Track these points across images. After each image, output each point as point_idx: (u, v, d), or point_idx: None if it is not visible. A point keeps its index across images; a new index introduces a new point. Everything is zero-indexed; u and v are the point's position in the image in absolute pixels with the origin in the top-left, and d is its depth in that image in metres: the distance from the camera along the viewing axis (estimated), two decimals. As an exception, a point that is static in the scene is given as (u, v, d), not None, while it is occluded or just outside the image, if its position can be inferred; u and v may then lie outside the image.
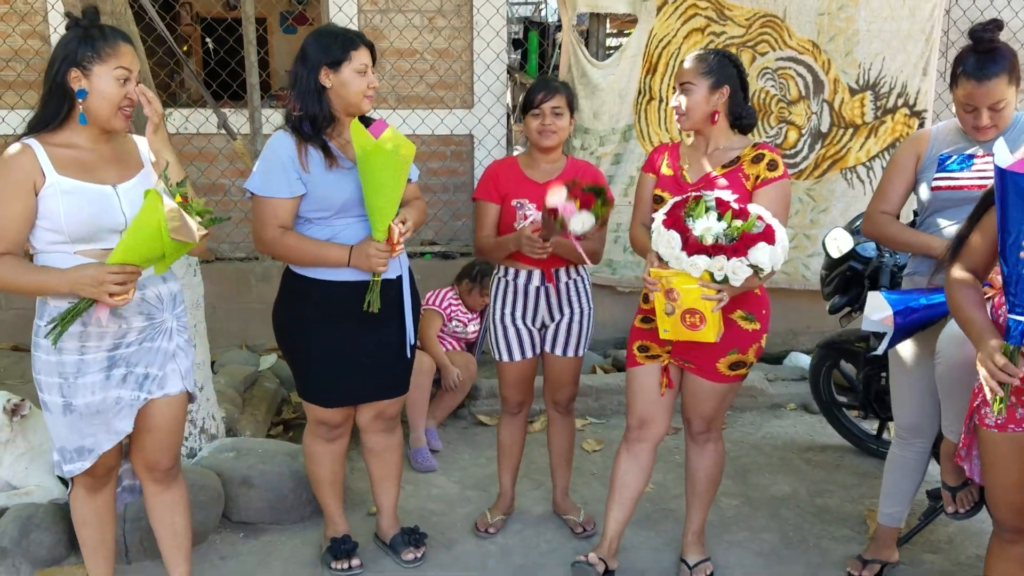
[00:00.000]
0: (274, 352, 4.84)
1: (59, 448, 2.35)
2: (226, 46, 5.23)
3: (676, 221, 2.32)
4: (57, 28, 4.83)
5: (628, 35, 5.13)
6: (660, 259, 2.38)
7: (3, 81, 4.93)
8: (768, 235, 2.29)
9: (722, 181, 2.56)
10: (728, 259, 2.25)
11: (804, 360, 4.90)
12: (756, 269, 2.29)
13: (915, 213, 2.81)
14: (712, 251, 2.26)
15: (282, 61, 8.47)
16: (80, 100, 2.19)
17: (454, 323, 4.17)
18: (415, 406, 3.83)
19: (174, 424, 2.47)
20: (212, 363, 4.51)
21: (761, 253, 2.27)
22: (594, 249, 2.95)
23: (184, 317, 2.48)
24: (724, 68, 2.60)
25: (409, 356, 2.80)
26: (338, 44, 2.52)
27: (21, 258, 2.19)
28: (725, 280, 2.29)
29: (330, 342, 2.68)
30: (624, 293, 5.03)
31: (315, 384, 2.75)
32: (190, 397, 2.49)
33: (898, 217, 2.75)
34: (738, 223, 2.29)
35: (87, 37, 2.19)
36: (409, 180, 2.64)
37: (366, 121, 2.64)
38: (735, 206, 2.34)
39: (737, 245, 2.26)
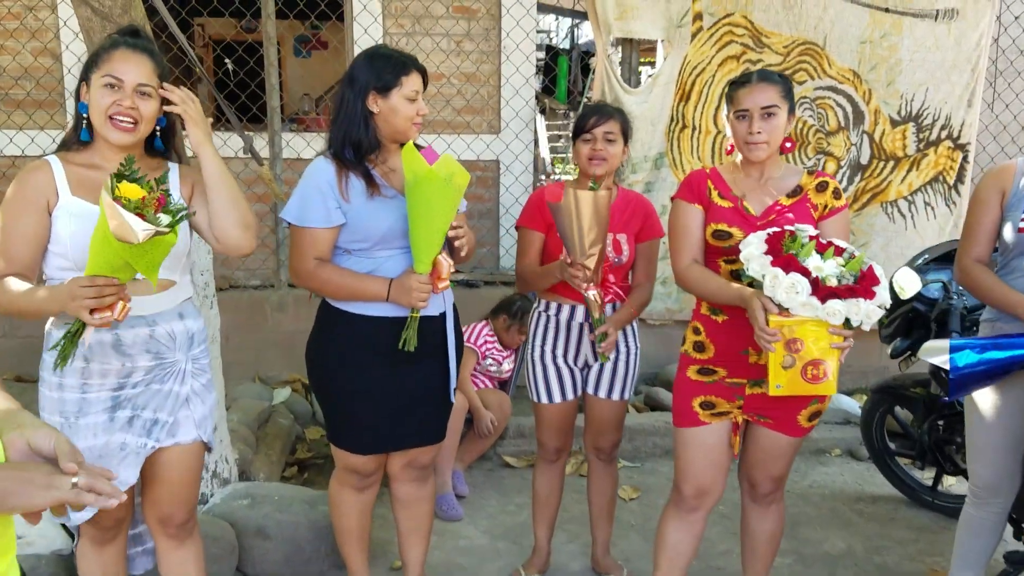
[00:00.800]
0: (288, 385, 4.63)
1: None
2: (245, 68, 5.07)
3: (789, 262, 2.06)
4: (69, 45, 4.68)
5: (647, 63, 4.97)
6: (780, 307, 2.09)
7: (12, 100, 4.77)
8: (873, 273, 2.07)
9: (790, 214, 2.35)
10: (862, 302, 2.02)
11: (847, 402, 4.66)
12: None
13: (995, 249, 2.58)
14: (843, 294, 2.02)
15: (296, 86, 8.34)
16: (84, 115, 2.05)
17: (488, 361, 3.94)
18: (444, 450, 3.60)
19: (188, 476, 2.25)
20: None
21: (884, 293, 2.05)
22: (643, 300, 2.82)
23: (204, 359, 2.26)
24: (792, 90, 2.41)
25: (451, 400, 2.58)
26: (389, 68, 2.33)
27: (23, 280, 2.00)
28: (859, 326, 2.06)
29: (366, 383, 2.45)
30: (655, 326, 4.82)
31: (348, 428, 2.52)
32: (206, 447, 2.27)
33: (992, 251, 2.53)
34: (841, 260, 2.07)
35: (108, 45, 2.05)
36: (458, 211, 2.42)
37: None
38: (822, 240, 2.12)
39: (863, 286, 2.03)
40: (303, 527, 3.01)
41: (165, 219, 1.82)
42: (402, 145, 2.37)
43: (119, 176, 1.82)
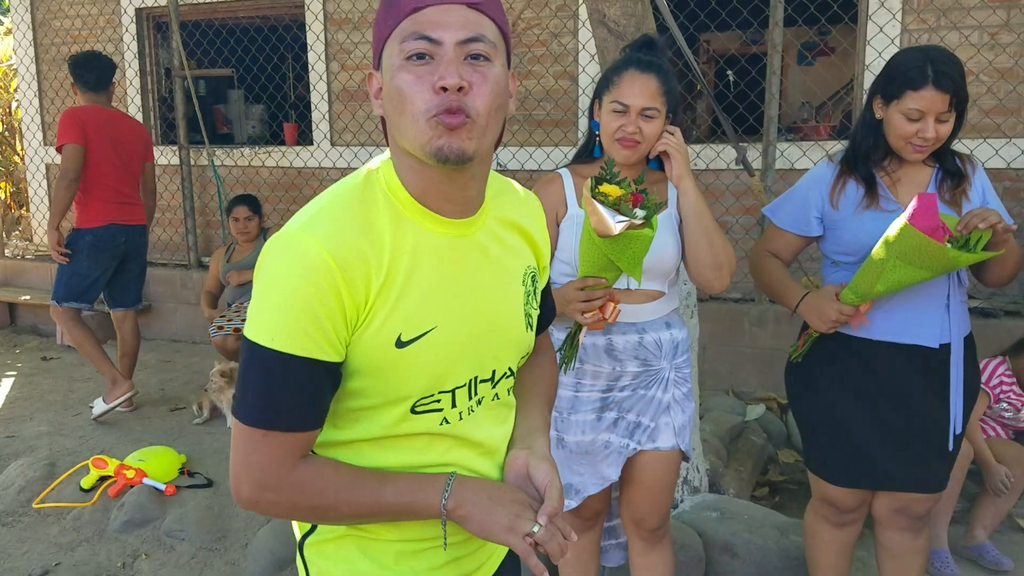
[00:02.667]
0: (763, 403, 4.49)
1: None
2: (746, 78, 5.04)
3: None
4: (585, 67, 5.09)
5: None
6: None
7: (534, 120, 5.34)
8: None
9: None
10: None
11: None
12: None
13: None
14: None
15: (796, 94, 8.11)
16: (596, 133, 2.16)
17: (1002, 405, 3.36)
18: (943, 500, 3.14)
19: (664, 481, 2.26)
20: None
21: None
22: None
23: (686, 368, 2.27)
24: None
25: (952, 448, 2.23)
26: (898, 77, 2.09)
27: None
28: None
29: (850, 410, 2.24)
30: None
31: (828, 456, 2.33)
32: (683, 456, 2.26)
33: None
34: None
35: (620, 65, 2.11)
36: None
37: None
38: None
39: None
40: (773, 553, 2.87)
41: (641, 213, 1.87)
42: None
43: (598, 180, 1.90)
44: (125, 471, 3.56)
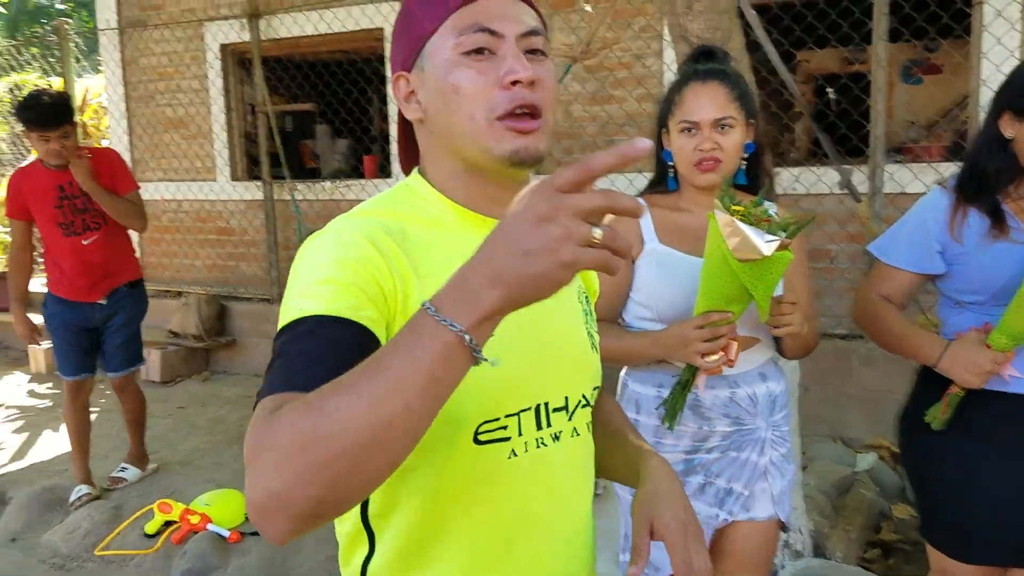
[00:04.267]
0: (873, 451, 4.07)
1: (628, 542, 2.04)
2: (847, 96, 4.67)
3: None
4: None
5: None
6: None
7: (615, 145, 5.08)
8: None
9: None
10: None
11: None
12: None
13: None
14: None
15: (902, 113, 7.63)
16: (669, 163, 1.91)
17: None
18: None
19: (760, 555, 1.98)
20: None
21: None
22: None
23: (785, 426, 1.98)
24: None
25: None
26: None
27: (613, 323, 1.97)
28: None
29: (985, 471, 1.90)
30: None
31: (949, 525, 1.98)
32: (782, 525, 1.95)
33: None
34: None
35: (678, 83, 1.89)
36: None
37: None
38: None
39: None
40: (887, 635, 2.50)
41: (782, 233, 1.62)
42: None
43: (728, 201, 1.66)
44: (190, 516, 3.45)
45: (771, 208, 1.71)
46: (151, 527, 3.47)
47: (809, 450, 3.97)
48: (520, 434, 1.02)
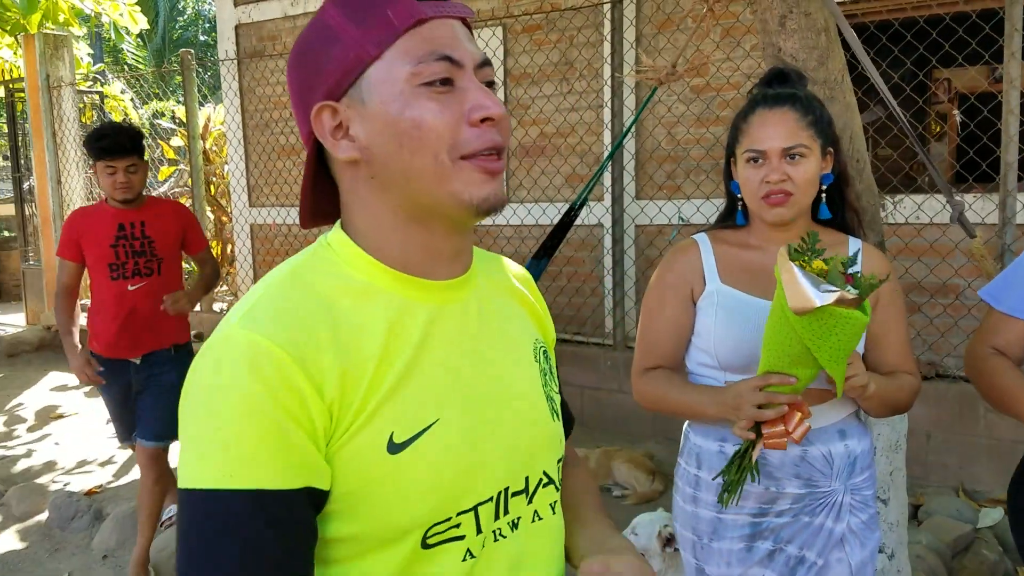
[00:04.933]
0: (1000, 505, 3.68)
1: None
2: (976, 119, 4.29)
3: None
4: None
5: None
6: None
7: (722, 169, 4.87)
8: None
9: None
10: None
11: None
12: None
13: None
14: None
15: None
16: (738, 196, 1.74)
17: None
18: None
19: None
20: (916, 509, 3.62)
21: None
22: None
23: (868, 490, 1.76)
24: None
25: None
26: None
27: (674, 372, 1.80)
28: None
29: None
30: None
31: None
32: (861, 602, 1.73)
33: None
34: None
35: (745, 109, 1.73)
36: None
37: None
38: None
39: None
40: None
41: (853, 290, 1.40)
42: None
43: (798, 253, 1.45)
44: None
45: (856, 267, 1.50)
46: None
47: (928, 503, 3.62)
48: (478, 532, 0.89)
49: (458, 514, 0.87)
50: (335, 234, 0.93)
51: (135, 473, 4.62)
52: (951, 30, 4.15)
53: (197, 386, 0.81)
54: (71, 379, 6.92)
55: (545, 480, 0.98)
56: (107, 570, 3.53)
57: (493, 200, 0.87)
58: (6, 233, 12.64)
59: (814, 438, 1.68)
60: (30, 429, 5.61)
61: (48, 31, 7.86)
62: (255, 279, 7.09)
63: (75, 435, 5.40)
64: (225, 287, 8.27)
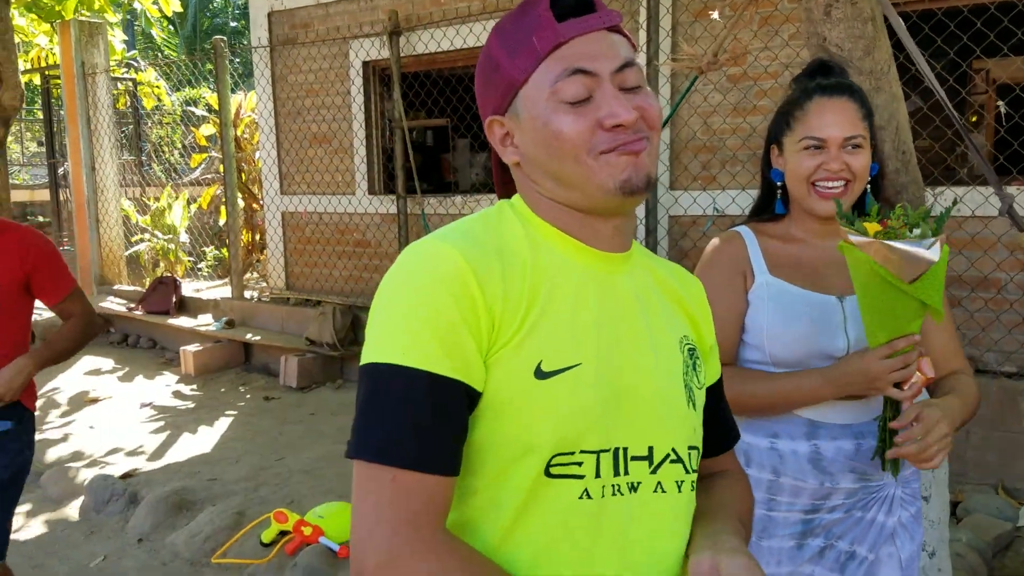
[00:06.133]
0: (1040, 506, 3.62)
1: None
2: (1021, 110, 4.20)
3: None
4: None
5: None
6: None
7: (759, 159, 4.80)
8: None
9: None
10: None
11: None
12: None
13: None
14: None
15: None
16: (779, 184, 1.72)
17: None
18: None
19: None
20: (955, 506, 3.56)
21: None
22: None
23: (916, 483, 1.75)
24: None
25: None
26: None
27: (743, 367, 1.75)
28: None
29: None
30: None
31: None
32: (910, 597, 1.71)
33: None
34: None
35: (799, 97, 1.69)
36: None
37: None
38: None
39: None
40: None
41: (929, 231, 1.44)
42: None
43: (848, 220, 1.49)
44: (303, 527, 3.48)
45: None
46: (267, 536, 3.51)
47: (967, 500, 3.57)
48: (597, 476, 0.97)
49: (580, 452, 0.95)
50: (517, 201, 1.08)
51: (169, 458, 4.67)
52: (995, 20, 4.05)
53: (388, 281, 0.96)
54: (105, 363, 7.01)
55: (673, 457, 1.03)
56: (142, 553, 3.57)
57: (635, 180, 0.98)
58: (40, 219, 12.81)
59: (867, 431, 1.65)
60: (64, 413, 5.68)
61: (83, 18, 7.93)
62: (286, 267, 7.12)
63: (109, 419, 5.46)
64: (256, 275, 8.32)
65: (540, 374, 0.94)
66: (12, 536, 3.75)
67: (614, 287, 1.04)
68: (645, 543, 1.00)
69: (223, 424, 5.30)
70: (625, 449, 0.99)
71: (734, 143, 4.86)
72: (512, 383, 0.94)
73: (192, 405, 5.77)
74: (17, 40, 7.10)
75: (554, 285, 0.99)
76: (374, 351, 0.92)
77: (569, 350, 0.96)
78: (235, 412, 5.58)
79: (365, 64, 6.39)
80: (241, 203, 7.97)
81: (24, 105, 7.77)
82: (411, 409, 0.89)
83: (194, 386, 6.24)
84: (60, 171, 9.26)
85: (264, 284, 7.60)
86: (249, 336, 6.64)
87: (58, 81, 8.65)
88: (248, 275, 7.99)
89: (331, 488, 4.07)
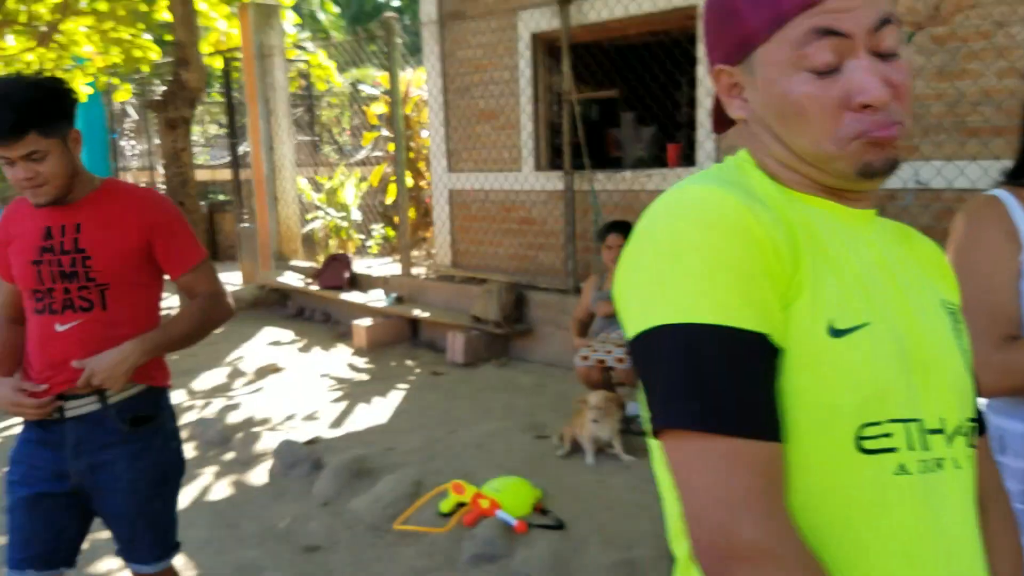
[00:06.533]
0: None
1: None
2: None
3: None
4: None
5: None
6: None
7: (967, 127, 4.38)
8: None
9: None
10: None
11: None
12: None
13: None
14: None
15: None
16: None
17: None
18: None
19: None
20: None
21: None
22: None
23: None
24: None
25: None
26: None
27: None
28: None
29: None
30: None
31: None
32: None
33: None
34: None
35: None
36: None
37: None
38: None
39: None
40: None
41: None
42: None
43: None
44: (480, 500, 3.48)
45: None
46: (445, 506, 3.54)
47: None
48: (910, 448, 0.86)
49: (889, 421, 0.85)
50: (743, 158, 0.98)
51: (347, 427, 4.81)
52: None
53: (664, 232, 0.85)
54: (285, 335, 7.35)
55: (962, 430, 0.92)
56: (327, 516, 3.67)
57: (877, 164, 0.88)
58: (220, 197, 13.60)
59: None
60: (250, 381, 5.97)
61: (260, 1, 8.28)
62: (452, 244, 7.20)
63: (290, 388, 5.70)
64: (423, 252, 8.48)
65: (835, 332, 0.84)
66: (207, 498, 3.97)
67: (868, 245, 0.94)
68: (956, 529, 0.89)
69: (395, 397, 5.41)
70: (920, 421, 0.88)
71: (939, 110, 4.45)
72: (809, 341, 0.84)
73: (366, 377, 5.93)
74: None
75: (818, 240, 0.89)
76: (660, 311, 0.82)
77: (856, 308, 0.86)
78: (406, 386, 5.69)
79: (534, 36, 6.31)
80: (409, 181, 8.13)
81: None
82: (736, 372, 0.80)
83: (366, 359, 6.42)
84: (240, 151, 9.76)
85: (431, 261, 7.72)
86: (417, 312, 6.76)
87: (237, 64, 9.09)
88: (415, 252, 8.14)
89: (501, 463, 4.06)
